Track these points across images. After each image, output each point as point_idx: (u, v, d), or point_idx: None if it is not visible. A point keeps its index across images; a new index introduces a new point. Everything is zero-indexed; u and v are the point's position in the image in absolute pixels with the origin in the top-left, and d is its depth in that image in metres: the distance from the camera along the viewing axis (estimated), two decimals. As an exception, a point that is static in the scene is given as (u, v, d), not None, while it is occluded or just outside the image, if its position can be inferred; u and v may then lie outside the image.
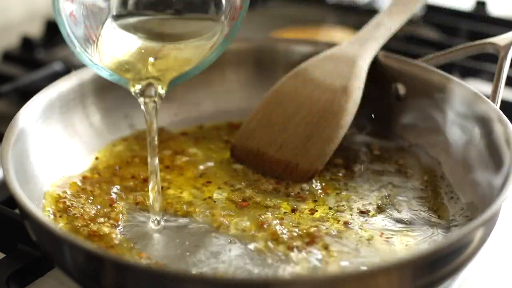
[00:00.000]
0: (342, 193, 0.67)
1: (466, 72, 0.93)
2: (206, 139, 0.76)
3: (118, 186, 0.67)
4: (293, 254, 0.58)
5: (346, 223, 0.63)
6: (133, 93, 0.60)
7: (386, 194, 0.67)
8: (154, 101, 0.60)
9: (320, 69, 0.74)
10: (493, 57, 0.70)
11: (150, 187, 0.62)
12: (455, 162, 0.69)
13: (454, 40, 0.98)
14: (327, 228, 0.62)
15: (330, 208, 0.65)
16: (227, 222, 0.62)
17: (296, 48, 0.80)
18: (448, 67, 0.76)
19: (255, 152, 0.71)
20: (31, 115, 0.66)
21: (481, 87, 0.87)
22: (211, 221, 0.63)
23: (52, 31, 1.08)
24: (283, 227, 0.62)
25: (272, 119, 0.72)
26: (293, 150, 0.70)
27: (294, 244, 0.60)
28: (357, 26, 1.02)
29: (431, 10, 1.14)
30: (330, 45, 0.78)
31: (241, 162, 0.72)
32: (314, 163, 0.69)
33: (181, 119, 0.78)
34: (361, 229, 0.62)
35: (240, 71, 0.81)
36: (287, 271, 0.57)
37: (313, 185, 0.68)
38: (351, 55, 0.74)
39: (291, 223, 0.63)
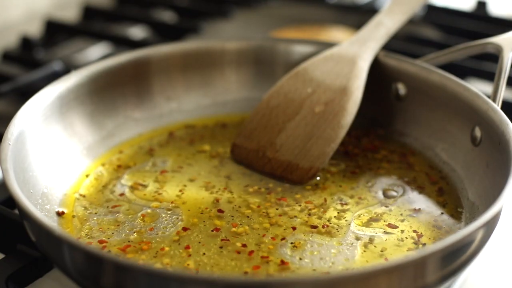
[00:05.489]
0: (345, 195, 0.67)
1: (467, 72, 0.92)
2: (206, 138, 0.76)
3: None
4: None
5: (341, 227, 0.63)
6: None
7: (387, 194, 0.67)
8: None
9: (320, 69, 0.74)
10: (494, 57, 0.70)
11: None
12: (456, 162, 0.69)
13: (455, 40, 0.98)
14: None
15: (334, 209, 0.65)
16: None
17: (296, 48, 0.80)
18: (448, 67, 0.76)
19: (255, 152, 0.71)
20: (30, 115, 0.66)
21: (481, 87, 0.87)
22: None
23: (52, 31, 1.08)
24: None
25: (272, 119, 0.72)
26: (293, 150, 0.70)
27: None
28: (357, 26, 1.02)
29: (432, 10, 1.13)
30: (330, 45, 0.78)
31: (241, 162, 0.72)
32: (314, 163, 0.69)
33: (181, 118, 0.78)
34: (362, 230, 0.62)
35: (240, 71, 0.81)
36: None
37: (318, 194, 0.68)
38: (351, 55, 0.74)
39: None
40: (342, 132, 0.70)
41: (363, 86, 0.72)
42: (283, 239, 0.61)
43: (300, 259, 0.59)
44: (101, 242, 0.61)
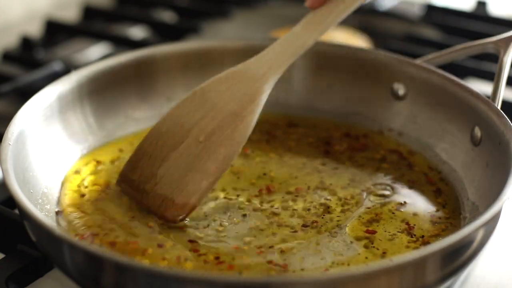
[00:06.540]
0: (343, 194, 0.67)
1: (467, 72, 0.93)
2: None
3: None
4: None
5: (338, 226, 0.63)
6: None
7: (386, 194, 0.67)
8: None
9: (217, 90, 0.66)
10: (494, 57, 0.70)
11: None
12: (455, 162, 0.69)
13: (455, 40, 0.98)
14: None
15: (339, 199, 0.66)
16: None
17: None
18: (448, 67, 0.76)
19: (136, 184, 0.65)
20: (30, 115, 0.66)
21: (481, 87, 0.87)
22: None
23: (52, 31, 1.08)
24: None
25: (158, 147, 0.65)
26: (171, 184, 0.63)
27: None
28: (357, 26, 1.02)
29: (431, 10, 1.13)
30: (330, 45, 0.78)
31: (127, 195, 0.66)
32: (189, 200, 0.63)
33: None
34: (360, 230, 0.62)
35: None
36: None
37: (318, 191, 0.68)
38: (253, 74, 0.67)
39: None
40: (223, 166, 0.64)
41: (259, 110, 0.65)
42: (272, 246, 0.61)
43: (285, 259, 0.58)
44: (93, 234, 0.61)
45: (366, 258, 0.59)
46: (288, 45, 0.68)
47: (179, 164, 0.64)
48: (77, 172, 0.69)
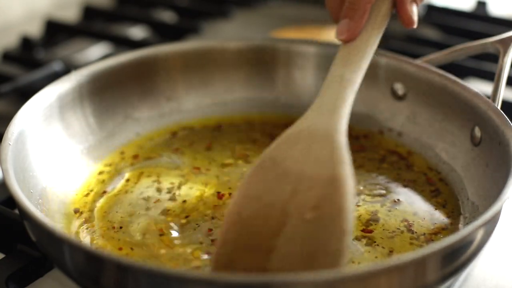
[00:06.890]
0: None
1: (467, 72, 0.93)
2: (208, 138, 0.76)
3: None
4: None
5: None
6: None
7: (385, 195, 0.67)
8: None
9: (291, 156, 0.57)
10: (494, 57, 0.70)
11: None
12: (455, 162, 0.69)
13: (455, 40, 0.98)
14: None
15: None
16: None
17: (296, 48, 0.80)
18: (448, 67, 0.76)
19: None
20: (30, 115, 0.66)
21: (481, 87, 0.87)
22: None
23: (52, 31, 1.08)
24: None
25: (253, 237, 0.55)
26: None
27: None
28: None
29: (432, 10, 1.13)
30: (330, 45, 0.78)
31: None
32: None
33: (181, 118, 0.78)
34: (360, 229, 0.62)
35: (240, 71, 0.81)
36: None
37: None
38: (324, 129, 0.58)
39: None
40: (348, 239, 0.53)
41: (351, 167, 0.56)
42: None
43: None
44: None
45: (376, 257, 0.59)
46: (341, 89, 0.61)
47: (294, 250, 0.53)
48: (77, 172, 0.69)
